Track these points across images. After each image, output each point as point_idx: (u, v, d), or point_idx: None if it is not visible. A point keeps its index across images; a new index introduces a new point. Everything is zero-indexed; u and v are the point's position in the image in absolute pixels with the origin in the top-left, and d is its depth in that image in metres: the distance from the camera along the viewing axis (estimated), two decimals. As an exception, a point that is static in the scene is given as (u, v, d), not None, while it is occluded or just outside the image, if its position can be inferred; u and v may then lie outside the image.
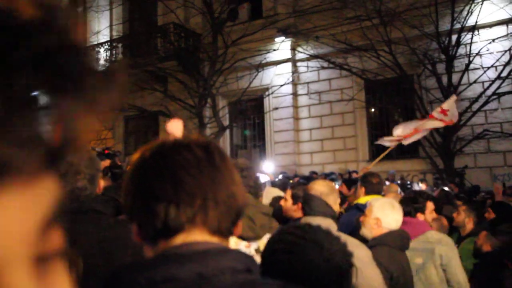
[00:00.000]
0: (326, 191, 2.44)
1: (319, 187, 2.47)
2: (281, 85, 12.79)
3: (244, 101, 13.25)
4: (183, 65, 13.58)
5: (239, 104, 13.50)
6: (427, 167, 11.04)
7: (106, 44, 16.29)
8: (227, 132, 13.69)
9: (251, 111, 13.76)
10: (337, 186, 8.34)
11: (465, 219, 4.47)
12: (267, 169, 10.85)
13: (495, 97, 9.63)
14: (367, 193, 3.71)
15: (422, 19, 10.27)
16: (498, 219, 4.52)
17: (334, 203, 2.45)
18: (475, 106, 9.78)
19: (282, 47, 13.08)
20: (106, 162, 5.55)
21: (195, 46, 14.23)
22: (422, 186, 8.56)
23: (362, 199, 3.68)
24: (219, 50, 12.58)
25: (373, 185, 3.75)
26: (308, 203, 2.41)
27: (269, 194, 3.66)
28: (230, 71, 12.81)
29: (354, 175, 10.02)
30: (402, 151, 11.65)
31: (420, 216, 3.30)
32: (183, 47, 14.17)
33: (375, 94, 11.99)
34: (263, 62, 13.09)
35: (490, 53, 9.88)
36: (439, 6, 9.87)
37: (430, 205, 3.39)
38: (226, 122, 13.39)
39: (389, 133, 11.55)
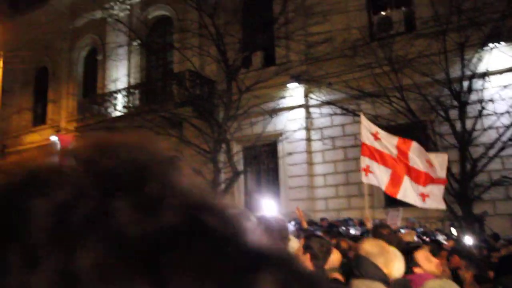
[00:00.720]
0: (376, 252, 2.33)
1: (368, 247, 2.36)
2: (295, 131, 12.91)
3: (258, 146, 13.35)
4: (198, 111, 13.85)
5: (253, 150, 13.61)
6: (444, 214, 10.84)
7: (124, 90, 16.76)
8: (242, 177, 13.73)
9: (265, 156, 13.83)
10: (356, 232, 8.22)
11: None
12: (270, 211, 10.70)
13: (511, 143, 9.55)
14: None
15: (432, 66, 10.39)
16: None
17: (385, 265, 2.32)
18: (491, 152, 9.68)
19: (295, 93, 13.30)
20: None
21: (210, 93, 14.55)
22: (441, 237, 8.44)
23: None
24: (233, 96, 12.81)
25: (384, 237, 3.72)
26: (357, 265, 2.31)
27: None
28: (244, 117, 12.99)
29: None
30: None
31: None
32: (198, 93, 14.50)
33: (389, 140, 11.96)
34: (277, 108, 13.29)
35: (503, 99, 9.89)
36: (449, 53, 10.00)
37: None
38: (240, 167, 13.45)
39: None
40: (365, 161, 7.52)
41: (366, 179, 7.43)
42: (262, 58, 14.52)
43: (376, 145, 7.65)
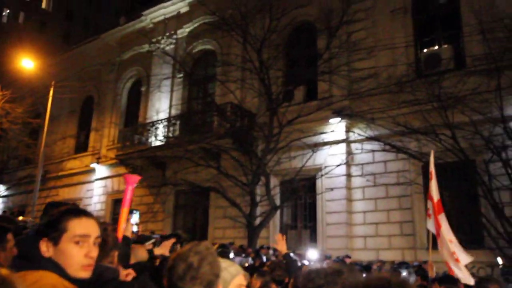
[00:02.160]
0: None
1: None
2: (336, 166, 12.66)
3: (296, 180, 13.13)
4: (238, 143, 13.86)
5: (291, 184, 13.38)
6: (493, 259, 10.19)
7: (165, 120, 17.07)
8: (278, 211, 13.45)
9: (303, 190, 13.57)
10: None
11: None
12: (312, 256, 10.35)
13: None
14: None
15: (484, 104, 10.09)
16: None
17: None
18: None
19: (336, 128, 13.16)
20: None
21: (250, 125, 14.59)
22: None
23: None
24: (274, 130, 12.78)
25: None
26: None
27: None
28: (284, 151, 12.89)
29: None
30: (466, 241, 10.92)
31: None
32: (238, 125, 14.57)
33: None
34: (317, 142, 13.14)
35: (560, 139, 9.45)
36: (503, 91, 9.70)
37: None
38: (277, 201, 13.23)
39: (449, 220, 10.98)
40: (429, 204, 6.80)
41: (429, 223, 6.75)
42: (304, 93, 14.55)
43: (432, 184, 6.84)
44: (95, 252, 1.67)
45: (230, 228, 14.53)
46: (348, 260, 10.01)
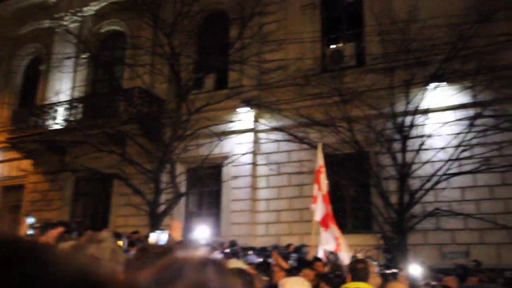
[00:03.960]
0: None
1: None
2: (242, 154, 12.92)
3: (202, 168, 13.18)
4: (145, 129, 13.54)
5: (198, 171, 13.40)
6: (378, 242, 11.16)
7: (66, 103, 16.08)
8: (183, 198, 13.40)
9: (209, 178, 13.66)
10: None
11: None
12: (203, 234, 10.49)
13: (446, 177, 10.13)
14: (353, 279, 3.78)
15: (379, 100, 10.97)
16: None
17: None
18: (427, 185, 10.21)
19: (244, 117, 13.41)
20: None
21: (159, 111, 14.31)
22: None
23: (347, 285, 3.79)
24: (182, 117, 12.69)
25: (357, 271, 3.77)
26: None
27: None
28: (192, 138, 12.86)
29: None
30: (357, 226, 11.83)
31: None
32: (146, 111, 14.22)
33: (333, 168, 12.31)
34: (225, 131, 13.30)
35: (440, 135, 10.58)
36: (395, 89, 10.64)
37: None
38: (183, 189, 13.17)
39: (345, 208, 11.84)
40: (315, 189, 7.75)
41: (313, 206, 7.64)
42: (214, 81, 14.60)
43: (322, 178, 7.97)
44: None
45: (133, 216, 14.13)
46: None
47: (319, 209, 7.63)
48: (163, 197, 12.71)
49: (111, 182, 15.08)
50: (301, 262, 6.99)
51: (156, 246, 1.89)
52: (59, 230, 4.43)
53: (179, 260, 0.82)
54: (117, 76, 16.24)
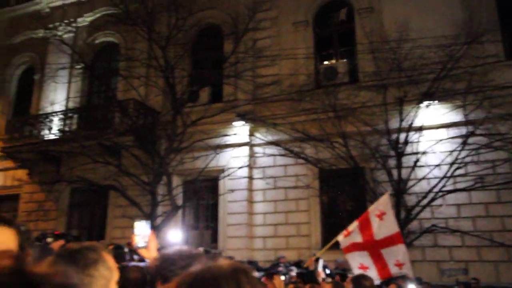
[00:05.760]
0: None
1: None
2: (238, 168, 12.97)
3: (199, 181, 13.22)
4: (140, 141, 13.55)
5: (194, 184, 13.44)
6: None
7: (61, 113, 16.04)
8: (180, 211, 13.45)
9: (205, 191, 13.71)
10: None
11: None
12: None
13: (441, 194, 10.23)
14: None
15: (374, 117, 11.05)
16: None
17: None
18: (424, 201, 10.30)
19: (240, 131, 13.45)
20: (60, 243, 5.28)
21: (154, 124, 14.32)
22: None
23: None
24: (178, 129, 12.72)
25: None
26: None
27: None
28: (187, 151, 12.89)
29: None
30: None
31: None
32: (141, 123, 14.23)
33: (329, 183, 12.40)
34: (221, 144, 13.34)
35: (434, 152, 10.68)
36: (389, 106, 10.72)
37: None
38: (179, 201, 13.21)
39: (342, 223, 11.89)
40: (353, 226, 7.28)
41: (343, 240, 7.27)
42: (209, 94, 14.61)
43: (375, 222, 7.25)
44: None
45: (129, 227, 14.07)
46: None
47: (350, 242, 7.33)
48: (160, 209, 12.76)
49: (107, 193, 15.10)
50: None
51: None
52: (60, 243, 4.47)
53: (212, 269, 0.87)
54: (112, 88, 16.21)
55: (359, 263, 7.21)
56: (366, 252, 7.19)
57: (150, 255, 2.50)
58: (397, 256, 7.09)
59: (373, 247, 7.17)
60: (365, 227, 7.23)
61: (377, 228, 7.12)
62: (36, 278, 0.48)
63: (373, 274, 6.98)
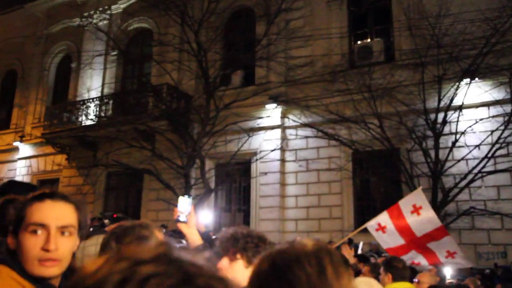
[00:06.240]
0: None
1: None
2: (271, 151, 12.93)
3: (231, 164, 13.27)
4: (174, 125, 13.70)
5: (226, 167, 13.50)
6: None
7: (97, 99, 16.41)
8: (212, 194, 13.55)
9: (238, 174, 13.75)
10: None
11: None
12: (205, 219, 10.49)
13: (480, 175, 9.88)
14: (394, 279, 3.60)
15: (410, 96, 10.74)
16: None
17: None
18: (461, 183, 9.98)
19: (272, 113, 13.39)
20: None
21: (187, 108, 14.45)
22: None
23: (391, 287, 3.56)
24: (211, 113, 12.77)
25: (399, 271, 3.66)
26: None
27: None
28: (220, 134, 12.94)
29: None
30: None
31: None
32: (174, 107, 14.38)
33: (363, 165, 12.19)
34: (253, 127, 13.32)
35: (474, 132, 10.30)
36: (427, 85, 10.37)
37: None
38: (212, 184, 13.30)
39: (375, 205, 11.68)
40: (385, 219, 6.90)
41: (376, 233, 7.02)
42: (241, 77, 14.60)
43: (409, 217, 6.79)
44: (56, 244, 1.38)
45: (163, 210, 14.40)
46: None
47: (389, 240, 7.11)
48: (193, 192, 12.88)
49: (142, 177, 15.39)
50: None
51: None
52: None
53: (296, 246, 0.90)
54: (146, 73, 16.43)
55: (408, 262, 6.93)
56: (411, 252, 6.91)
57: (189, 230, 2.53)
58: (445, 247, 6.80)
59: (419, 246, 6.87)
60: (401, 224, 6.87)
61: (417, 225, 6.72)
62: (192, 268, 0.48)
63: (423, 261, 6.78)
